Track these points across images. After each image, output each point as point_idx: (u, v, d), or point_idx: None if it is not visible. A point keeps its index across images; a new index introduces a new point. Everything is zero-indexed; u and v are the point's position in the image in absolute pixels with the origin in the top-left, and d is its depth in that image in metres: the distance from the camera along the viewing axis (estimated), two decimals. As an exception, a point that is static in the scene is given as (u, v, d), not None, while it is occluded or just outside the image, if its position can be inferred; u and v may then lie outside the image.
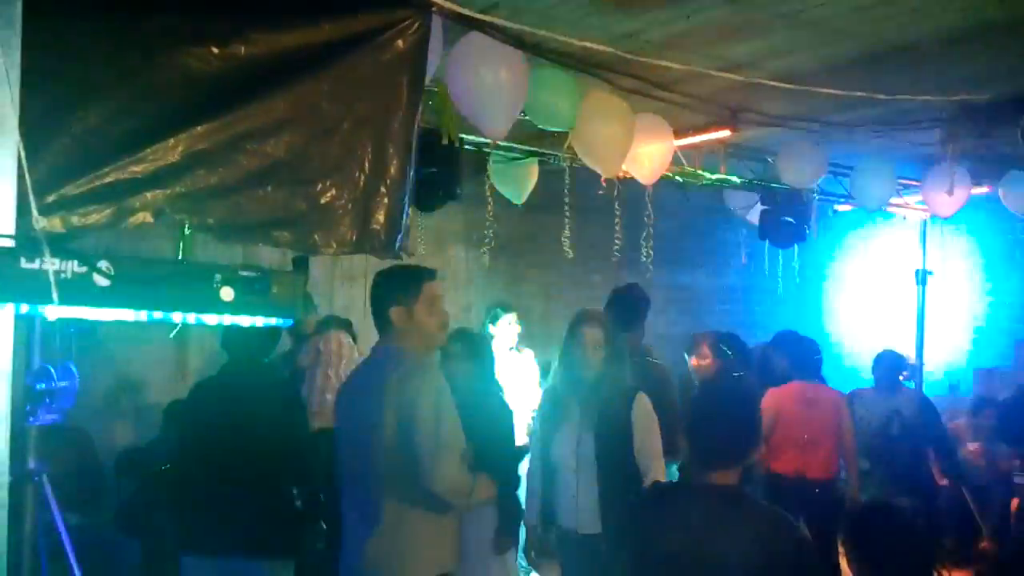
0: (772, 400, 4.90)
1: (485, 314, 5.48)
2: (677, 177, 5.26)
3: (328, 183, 2.51)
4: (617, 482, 3.35)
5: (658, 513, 2.48)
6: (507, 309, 5.41)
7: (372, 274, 2.94)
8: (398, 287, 2.80)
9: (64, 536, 2.87)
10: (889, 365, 5.42)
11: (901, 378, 5.54)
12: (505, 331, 5.29)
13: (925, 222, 6.68)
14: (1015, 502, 5.34)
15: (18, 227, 2.03)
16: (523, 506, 3.65)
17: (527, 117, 3.95)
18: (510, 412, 3.80)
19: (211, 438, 3.42)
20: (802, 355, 5.10)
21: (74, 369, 2.90)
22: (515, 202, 5.17)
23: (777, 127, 4.89)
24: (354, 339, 5.07)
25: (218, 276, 2.12)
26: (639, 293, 4.58)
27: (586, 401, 3.44)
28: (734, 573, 2.25)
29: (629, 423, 3.40)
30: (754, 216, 6.06)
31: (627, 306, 4.46)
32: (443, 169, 4.00)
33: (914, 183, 5.79)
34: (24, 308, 2.03)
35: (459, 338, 3.67)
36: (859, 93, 4.18)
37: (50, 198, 2.04)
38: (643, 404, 3.44)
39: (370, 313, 2.87)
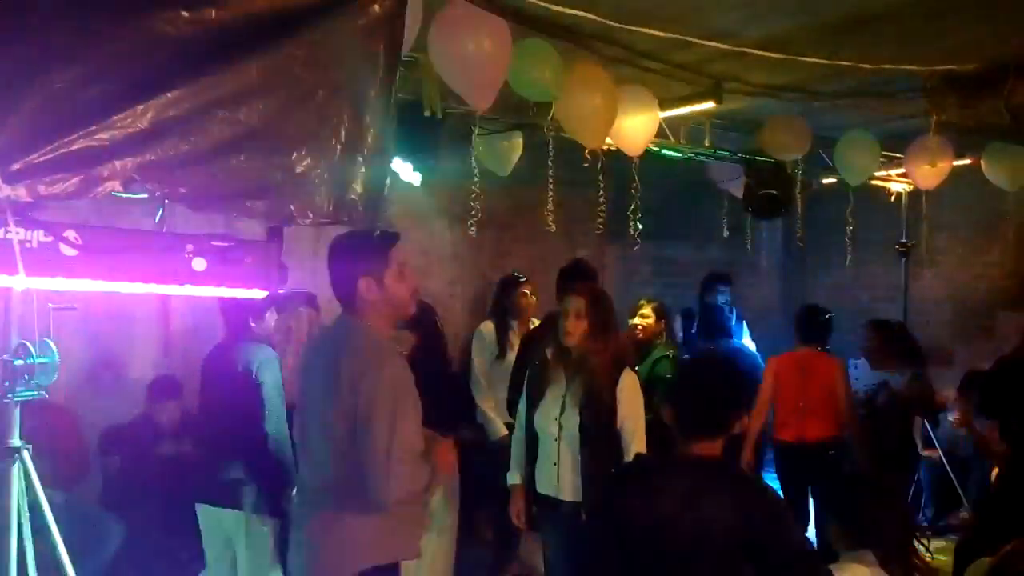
0: (771, 369, 5.13)
1: (500, 285, 5.44)
2: (662, 149, 5.23)
3: (303, 152, 2.43)
4: (599, 454, 3.39)
5: (640, 484, 2.49)
6: (524, 278, 5.37)
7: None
8: (364, 255, 2.59)
9: (48, 513, 2.85)
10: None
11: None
12: (524, 301, 5.26)
13: (908, 194, 6.68)
14: (995, 472, 5.39)
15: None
16: None
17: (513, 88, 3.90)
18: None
19: (226, 400, 3.62)
20: (806, 322, 5.23)
21: (53, 345, 2.87)
22: (500, 174, 5.12)
23: (761, 98, 4.86)
24: (318, 312, 5.00)
25: (189, 246, 2.09)
26: (587, 266, 4.59)
27: (573, 371, 3.47)
28: (715, 543, 2.27)
29: (614, 398, 3.44)
30: (737, 189, 6.05)
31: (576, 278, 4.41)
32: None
33: (897, 155, 5.77)
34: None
35: None
36: (843, 62, 4.17)
37: (15, 166, 1.98)
38: (630, 379, 3.50)
39: (331, 285, 2.64)
